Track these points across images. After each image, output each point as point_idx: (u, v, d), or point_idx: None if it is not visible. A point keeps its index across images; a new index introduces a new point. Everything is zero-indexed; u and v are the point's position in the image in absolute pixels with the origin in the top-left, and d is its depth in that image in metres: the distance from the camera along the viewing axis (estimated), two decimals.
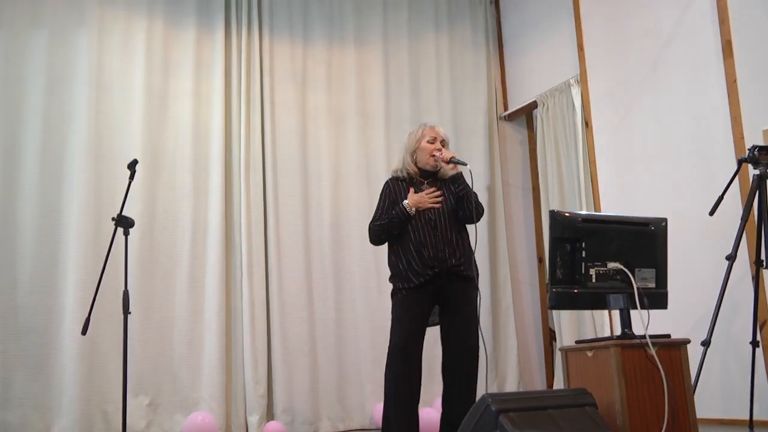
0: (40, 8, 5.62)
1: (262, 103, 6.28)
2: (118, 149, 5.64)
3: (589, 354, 2.79)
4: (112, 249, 4.11)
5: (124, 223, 4.00)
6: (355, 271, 6.41)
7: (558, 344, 6.52)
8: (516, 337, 6.80)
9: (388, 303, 6.27)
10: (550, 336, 7.16)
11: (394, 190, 4.17)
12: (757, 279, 4.49)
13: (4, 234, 5.31)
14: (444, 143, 4.17)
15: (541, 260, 7.19)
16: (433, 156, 4.07)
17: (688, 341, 2.92)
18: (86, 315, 4.06)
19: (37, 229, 5.37)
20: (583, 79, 6.33)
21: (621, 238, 3.08)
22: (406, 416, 3.89)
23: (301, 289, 6.16)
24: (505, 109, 7.36)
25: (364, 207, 6.49)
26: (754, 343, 4.26)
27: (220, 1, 6.23)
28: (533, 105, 6.97)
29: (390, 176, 4.39)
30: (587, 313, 6.22)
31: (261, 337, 5.90)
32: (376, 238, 4.23)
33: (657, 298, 3.07)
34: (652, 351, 2.74)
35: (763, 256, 4.36)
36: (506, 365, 6.72)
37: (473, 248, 4.23)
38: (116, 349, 5.35)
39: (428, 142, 4.10)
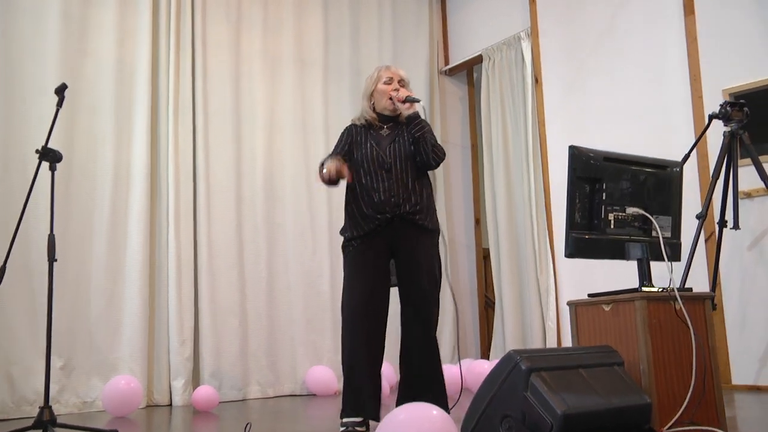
0: None
1: (193, 42, 5.87)
2: (28, 78, 5.12)
3: (606, 308, 2.55)
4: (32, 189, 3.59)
5: (50, 156, 3.52)
6: (289, 229, 6.15)
7: (498, 311, 6.43)
8: (453, 302, 6.60)
9: (323, 263, 6.19)
10: (485, 302, 7.05)
11: (354, 134, 3.85)
12: (720, 239, 4.43)
13: None
14: (403, 83, 3.84)
15: (478, 222, 7.10)
16: (390, 98, 3.77)
17: (712, 295, 2.71)
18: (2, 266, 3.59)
19: None
20: (534, 33, 6.22)
21: (639, 182, 2.86)
22: (367, 388, 3.57)
23: (231, 246, 5.85)
24: (446, 63, 7.21)
25: (299, 159, 6.24)
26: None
27: None
28: (476, 60, 6.82)
29: (348, 124, 4.05)
30: (530, 274, 6.14)
31: (187, 295, 5.56)
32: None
33: (673, 250, 2.83)
34: (681, 305, 2.50)
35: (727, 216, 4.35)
36: (442, 331, 6.49)
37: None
38: (25, 305, 4.95)
39: (385, 83, 3.80)
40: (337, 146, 3.88)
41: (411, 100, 3.73)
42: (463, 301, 6.89)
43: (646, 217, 2.79)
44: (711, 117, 4.34)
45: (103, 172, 5.39)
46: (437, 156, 3.71)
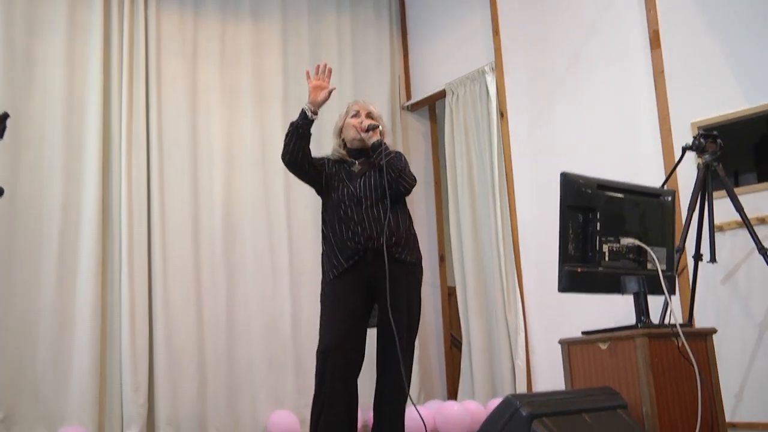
0: None
1: (147, 76, 5.75)
2: None
3: (603, 346, 2.44)
4: None
5: None
6: (249, 267, 6.02)
7: (465, 350, 6.31)
8: (418, 342, 6.49)
9: (285, 303, 6.02)
10: (451, 341, 6.94)
11: (329, 166, 3.93)
12: (695, 272, 4.38)
13: None
14: (370, 115, 3.88)
15: (443, 259, 7.02)
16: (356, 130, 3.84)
17: (714, 330, 2.64)
18: None
19: None
20: (498, 67, 6.20)
21: (633, 211, 2.75)
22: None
23: (188, 285, 5.69)
24: (408, 98, 7.16)
25: (258, 196, 6.15)
26: None
27: None
28: (440, 94, 6.79)
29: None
30: (499, 312, 6.04)
31: (142, 337, 5.36)
32: (287, 154, 3.89)
33: (669, 283, 2.71)
34: (684, 342, 2.36)
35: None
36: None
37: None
38: None
39: (352, 116, 3.88)
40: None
41: (371, 128, 3.76)
42: (429, 340, 6.75)
43: (641, 248, 2.67)
44: (684, 149, 4.34)
45: (50, 209, 5.20)
46: (406, 182, 3.70)
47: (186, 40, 6.01)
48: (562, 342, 2.68)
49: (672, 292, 2.75)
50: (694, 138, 4.33)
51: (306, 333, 6.04)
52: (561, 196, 2.58)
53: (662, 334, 2.42)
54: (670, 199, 2.92)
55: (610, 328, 2.62)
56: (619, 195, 2.73)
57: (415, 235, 3.89)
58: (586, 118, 5.61)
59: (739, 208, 4.11)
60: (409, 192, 3.80)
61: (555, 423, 1.79)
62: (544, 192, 5.83)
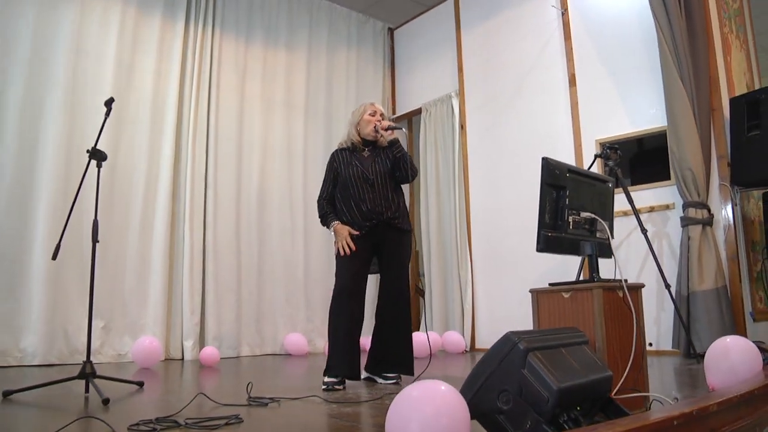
0: None
1: (210, 85, 6.15)
2: (90, 105, 5.34)
3: (566, 296, 2.42)
4: (83, 182, 3.43)
5: (98, 156, 3.37)
6: (275, 228, 6.39)
7: (427, 296, 6.62)
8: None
9: (299, 255, 6.45)
10: (416, 289, 7.36)
11: (338, 160, 3.84)
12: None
13: None
14: (383, 116, 3.91)
15: (412, 230, 7.25)
16: (375, 127, 3.79)
17: (643, 285, 2.72)
18: (56, 243, 3.58)
19: (14, 167, 5.00)
20: (461, 93, 6.59)
21: (590, 192, 2.71)
22: (350, 355, 3.53)
23: (231, 239, 6.07)
24: (394, 113, 7.52)
25: (284, 178, 6.52)
26: None
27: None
28: (417, 111, 7.16)
29: (335, 149, 4.01)
30: (453, 269, 6.42)
31: (197, 276, 5.76)
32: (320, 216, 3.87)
33: (608, 249, 2.75)
34: (627, 293, 2.45)
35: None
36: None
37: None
38: (78, 276, 5.11)
39: (370, 114, 3.83)
40: (326, 179, 3.86)
41: (394, 128, 3.77)
42: None
43: (594, 220, 2.66)
44: (596, 156, 4.63)
45: (138, 177, 5.59)
46: (413, 172, 3.73)
47: (238, 61, 6.41)
48: (532, 291, 2.56)
49: (610, 255, 2.77)
50: (603, 148, 4.60)
51: (314, 278, 6.51)
52: (542, 175, 2.47)
53: (611, 287, 2.41)
54: (611, 185, 2.90)
55: (572, 281, 2.62)
56: (582, 179, 2.67)
57: (407, 208, 3.87)
58: (524, 132, 5.95)
59: (631, 201, 4.46)
60: (413, 180, 3.79)
61: (544, 356, 1.80)
62: (491, 184, 6.23)
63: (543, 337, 1.93)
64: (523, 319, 5.58)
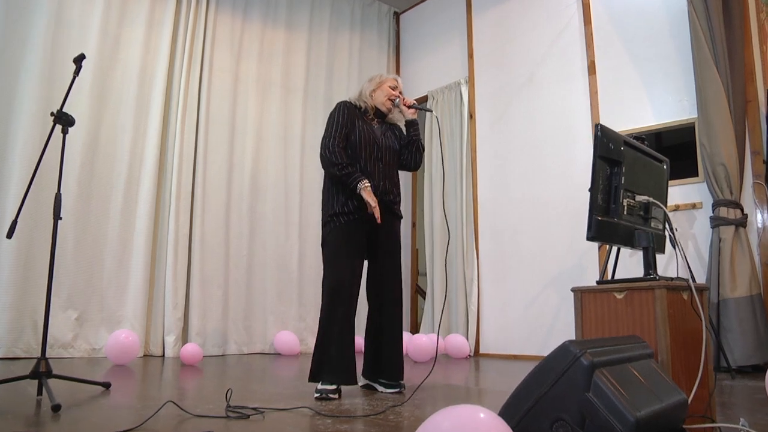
0: None
1: (202, 63, 5.79)
2: (68, 75, 4.94)
3: (619, 296, 2.01)
4: (46, 147, 3.08)
5: (63, 120, 2.93)
6: (268, 218, 6.05)
7: (428, 296, 6.31)
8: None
9: (294, 248, 6.10)
10: (416, 289, 7.03)
11: (349, 115, 3.32)
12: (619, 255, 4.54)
13: None
14: (402, 93, 3.50)
15: (414, 225, 7.05)
16: (392, 99, 3.40)
17: (707, 288, 2.25)
18: (22, 222, 3.11)
19: None
20: (470, 80, 6.27)
21: (646, 172, 2.27)
22: (348, 359, 3.07)
23: (220, 228, 5.72)
24: None
25: (279, 164, 6.18)
26: None
27: None
28: (423, 99, 6.83)
29: (344, 101, 3.47)
30: (459, 267, 6.04)
31: (182, 266, 5.41)
32: (327, 170, 3.25)
33: (662, 242, 2.31)
34: (695, 295, 2.03)
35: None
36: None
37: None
38: (45, 262, 4.69)
39: (390, 86, 3.43)
40: (339, 123, 3.29)
41: (422, 109, 3.40)
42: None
43: (648, 206, 2.25)
44: None
45: (121, 157, 5.24)
46: (420, 162, 3.49)
47: (234, 38, 6.05)
48: (575, 290, 2.15)
49: (663, 250, 2.37)
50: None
51: (308, 273, 6.14)
52: (594, 146, 2.07)
53: (677, 287, 2.02)
54: (667, 167, 2.47)
55: (627, 278, 2.11)
56: (640, 155, 2.26)
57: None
58: (536, 123, 5.65)
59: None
60: (417, 169, 3.53)
61: (611, 373, 1.43)
62: (500, 176, 5.88)
63: (606, 349, 1.53)
64: (534, 323, 5.38)
